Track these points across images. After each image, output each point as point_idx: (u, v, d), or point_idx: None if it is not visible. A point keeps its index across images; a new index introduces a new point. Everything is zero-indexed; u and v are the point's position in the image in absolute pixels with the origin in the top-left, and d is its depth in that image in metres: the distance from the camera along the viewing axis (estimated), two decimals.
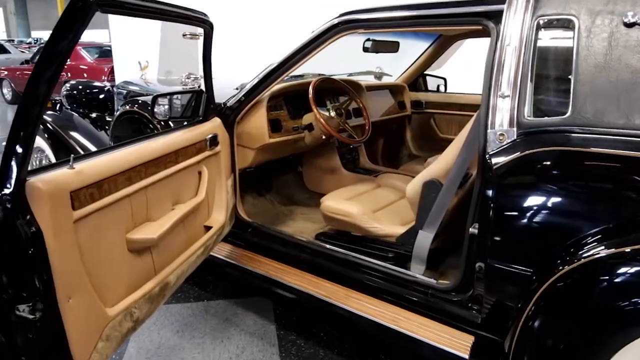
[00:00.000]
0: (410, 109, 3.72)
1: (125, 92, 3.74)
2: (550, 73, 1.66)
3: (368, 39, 2.93)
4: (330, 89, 3.06)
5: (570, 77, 1.54)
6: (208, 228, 2.20)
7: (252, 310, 2.63)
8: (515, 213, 1.58)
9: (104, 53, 9.73)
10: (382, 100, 3.52)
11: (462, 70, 3.87)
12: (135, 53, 6.04)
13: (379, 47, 2.89)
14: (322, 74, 3.32)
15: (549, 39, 1.65)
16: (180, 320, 2.53)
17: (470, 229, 1.79)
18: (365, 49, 2.88)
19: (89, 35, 7.29)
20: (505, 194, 1.60)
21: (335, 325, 2.50)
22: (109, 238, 1.51)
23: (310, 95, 2.59)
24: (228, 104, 2.48)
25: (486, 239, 1.65)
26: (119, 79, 7.23)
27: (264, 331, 2.46)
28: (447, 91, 3.79)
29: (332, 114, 2.67)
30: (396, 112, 3.59)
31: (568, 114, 1.52)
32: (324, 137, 2.73)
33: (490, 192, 1.62)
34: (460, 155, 1.91)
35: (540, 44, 1.63)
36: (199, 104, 2.25)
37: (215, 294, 2.80)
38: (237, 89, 2.79)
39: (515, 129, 1.62)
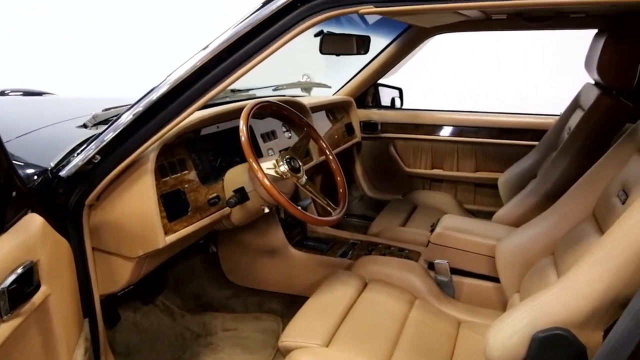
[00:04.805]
0: (360, 133, 2.61)
1: None
2: None
3: (321, 32, 1.75)
4: (260, 117, 1.81)
5: None
6: None
7: None
8: None
9: None
10: (320, 123, 2.35)
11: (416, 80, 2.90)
12: None
13: (340, 46, 1.72)
14: (238, 91, 2.06)
15: None
16: None
17: None
18: (323, 49, 1.70)
19: None
20: None
21: None
22: None
23: (244, 138, 1.32)
24: (62, 172, 1.11)
25: None
26: None
27: None
28: (404, 106, 2.75)
29: (283, 168, 1.43)
30: (343, 141, 2.45)
31: None
32: (266, 209, 1.48)
33: None
34: None
35: None
36: None
37: None
38: (85, 127, 1.43)
39: None
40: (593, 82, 1.88)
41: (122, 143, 1.10)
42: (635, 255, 0.89)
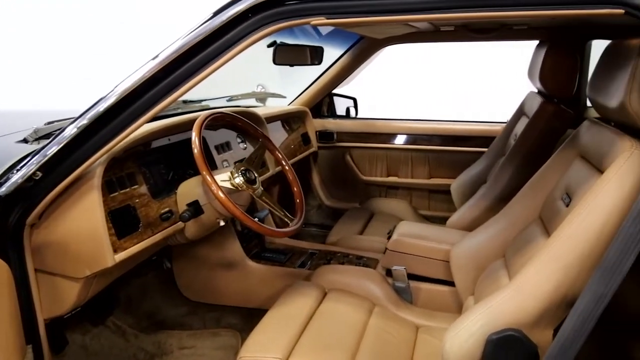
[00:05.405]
0: (316, 142, 2.62)
1: None
2: None
3: (274, 43, 1.75)
4: (213, 128, 1.78)
5: None
6: None
7: None
8: None
9: None
10: (276, 134, 2.34)
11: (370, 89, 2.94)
12: None
13: (294, 56, 1.72)
14: (190, 102, 2.02)
15: None
16: None
17: None
18: (276, 60, 1.69)
19: None
20: None
21: None
22: None
23: (197, 150, 1.29)
24: (0, 190, 1.05)
25: None
26: None
27: None
28: (359, 115, 2.79)
29: (238, 180, 1.40)
30: (300, 151, 2.45)
31: None
32: (222, 223, 1.45)
33: None
34: (606, 263, 0.85)
35: None
36: None
37: None
38: (26, 141, 1.36)
39: None
40: (536, 90, 1.97)
41: (65, 158, 1.05)
42: (579, 256, 0.93)
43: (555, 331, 0.98)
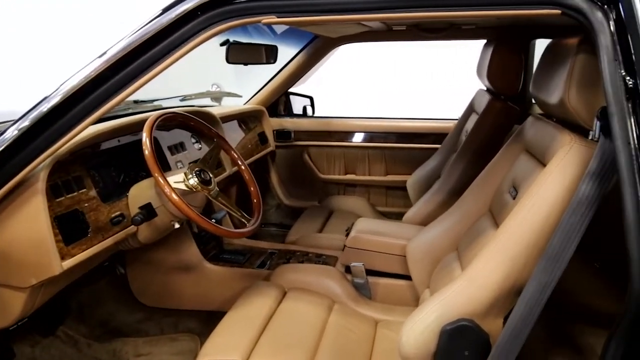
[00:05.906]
0: (273, 142, 2.61)
1: None
2: None
3: (227, 41, 1.73)
4: (165, 128, 1.73)
5: None
6: None
7: None
8: None
9: None
10: (232, 134, 2.31)
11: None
12: None
13: (247, 55, 1.71)
14: (142, 102, 1.96)
15: None
16: None
17: None
18: (229, 59, 1.67)
19: None
20: None
21: None
22: None
23: (148, 151, 1.25)
24: None
25: None
26: None
27: None
28: (316, 114, 2.79)
29: (192, 181, 1.38)
30: (257, 150, 2.43)
31: None
32: (176, 225, 1.42)
33: None
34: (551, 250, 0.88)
35: None
36: None
37: None
38: None
39: None
40: (485, 88, 2.05)
41: (6, 162, 1.00)
42: (525, 247, 0.97)
43: (505, 320, 1.03)
